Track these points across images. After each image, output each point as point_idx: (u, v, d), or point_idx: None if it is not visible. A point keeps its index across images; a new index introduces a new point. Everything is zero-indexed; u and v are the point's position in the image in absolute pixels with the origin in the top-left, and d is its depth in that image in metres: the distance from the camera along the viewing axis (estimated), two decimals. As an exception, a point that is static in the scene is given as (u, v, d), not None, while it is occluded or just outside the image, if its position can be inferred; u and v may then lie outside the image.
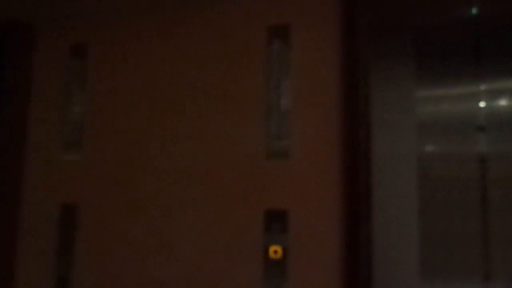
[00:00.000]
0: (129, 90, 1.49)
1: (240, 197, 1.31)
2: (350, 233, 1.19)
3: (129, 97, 1.48)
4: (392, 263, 1.33)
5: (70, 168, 1.52)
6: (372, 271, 1.19)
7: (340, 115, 1.26)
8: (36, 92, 1.62)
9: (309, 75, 1.31)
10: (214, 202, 1.34)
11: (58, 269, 1.47)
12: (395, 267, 1.34)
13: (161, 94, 1.45)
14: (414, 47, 1.50)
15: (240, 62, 1.38)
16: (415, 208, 1.40)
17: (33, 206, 1.55)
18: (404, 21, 1.49)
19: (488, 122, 1.42)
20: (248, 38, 1.38)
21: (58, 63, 1.60)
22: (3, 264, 1.51)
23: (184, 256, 1.34)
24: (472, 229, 1.36)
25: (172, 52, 1.46)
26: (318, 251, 1.22)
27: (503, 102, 1.41)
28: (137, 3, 1.52)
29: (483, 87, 1.44)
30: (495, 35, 1.43)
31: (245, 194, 1.30)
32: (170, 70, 1.45)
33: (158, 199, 1.40)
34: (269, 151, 1.31)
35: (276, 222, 1.26)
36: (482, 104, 1.44)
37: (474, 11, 1.46)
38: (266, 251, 1.25)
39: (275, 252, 1.24)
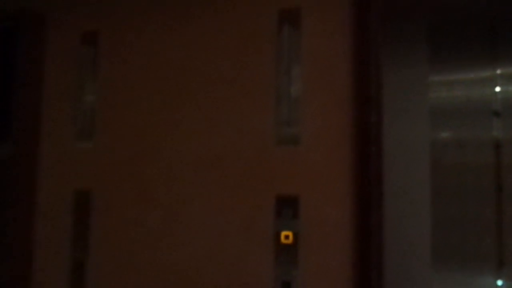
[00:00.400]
0: (140, 77, 1.50)
1: (251, 183, 1.31)
2: (361, 219, 1.18)
3: (140, 85, 1.49)
4: (404, 250, 1.33)
5: (83, 155, 1.54)
6: (383, 256, 1.19)
7: (351, 100, 1.25)
8: (48, 80, 1.64)
9: (320, 59, 1.29)
10: (225, 188, 1.34)
11: (73, 254, 1.51)
12: (407, 254, 1.33)
13: (172, 81, 1.45)
14: (428, 31, 1.47)
15: (250, 48, 1.37)
16: (427, 194, 1.39)
17: (48, 193, 1.58)
18: (418, 4, 1.45)
19: (504, 107, 1.39)
20: (258, 23, 1.37)
21: (69, 51, 1.61)
22: (21, 250, 1.55)
23: (197, 241, 1.36)
24: (485, 216, 1.35)
25: (183, 39, 1.45)
26: (329, 237, 1.22)
27: (519, 87, 1.38)
28: (147, -10, 1.52)
29: (499, 71, 1.41)
30: (512, 17, 1.39)
31: (256, 180, 1.31)
32: (180, 57, 1.45)
33: (170, 185, 1.41)
34: (280, 137, 1.30)
35: (287, 208, 1.26)
36: (497, 88, 1.41)
37: (490, -8, 1.41)
38: (277, 237, 1.26)
39: (287, 237, 1.25)
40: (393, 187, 1.37)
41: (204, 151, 1.38)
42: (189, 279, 1.36)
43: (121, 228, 1.46)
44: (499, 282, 1.30)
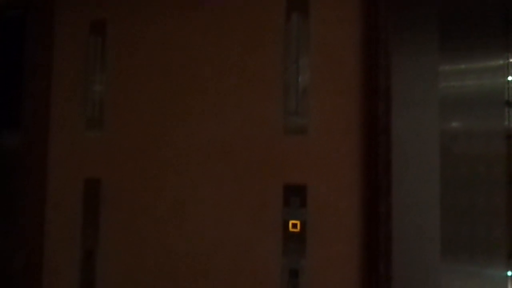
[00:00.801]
0: (149, 66, 1.50)
1: (259, 172, 1.31)
2: (369, 208, 1.18)
3: (150, 74, 1.49)
4: (412, 239, 1.32)
5: (93, 144, 1.55)
6: (391, 245, 1.19)
7: (359, 89, 1.24)
8: (57, 69, 1.65)
9: (329, 48, 1.28)
10: (233, 177, 1.35)
11: (83, 241, 1.53)
12: (415, 243, 1.32)
13: (180, 70, 1.45)
14: (438, 18, 1.45)
15: (259, 37, 1.36)
16: (437, 184, 1.38)
17: (58, 182, 1.60)
18: (429, -9, 1.43)
19: (517, 96, 1.37)
20: (267, 11, 1.36)
21: (78, 40, 1.62)
22: (32, 238, 1.57)
23: (205, 229, 1.37)
24: (496, 206, 1.33)
25: (192, 28, 1.45)
26: (337, 226, 1.22)
27: (533, 75, 1.36)
28: (154, -21, 1.51)
29: (512, 59, 1.38)
30: (526, 4, 1.36)
31: (265, 169, 1.31)
32: (189, 46, 1.45)
33: (179, 174, 1.42)
34: (288, 126, 1.30)
35: (295, 196, 1.26)
36: (510, 78, 1.38)
37: (504, -22, 1.38)
38: (285, 225, 1.26)
39: (294, 226, 1.25)
40: (401, 177, 1.36)
41: (212, 140, 1.39)
42: (197, 267, 1.37)
43: (130, 216, 1.47)
44: (510, 273, 1.29)
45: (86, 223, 1.53)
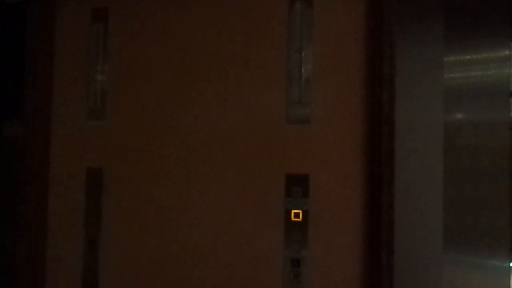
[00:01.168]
0: (151, 55, 1.49)
1: (261, 161, 1.31)
2: (371, 198, 1.18)
3: (152, 62, 1.49)
4: (415, 229, 1.32)
5: (95, 133, 1.55)
6: (393, 235, 1.19)
7: (363, 79, 1.23)
8: (58, 58, 1.64)
9: (332, 37, 1.27)
10: (235, 166, 1.35)
11: (86, 231, 1.53)
12: (418, 233, 1.32)
13: (182, 59, 1.45)
14: (443, 8, 1.43)
15: (262, 25, 1.35)
16: (440, 174, 1.37)
17: (60, 171, 1.60)
18: (434, -20, 1.41)
19: (522, 87, 1.36)
20: (269, 0, 1.34)
21: (80, 28, 1.60)
22: (35, 227, 1.58)
23: (207, 219, 1.37)
24: (499, 198, 1.33)
25: (194, 17, 1.44)
26: (339, 215, 1.22)
27: (539, 66, 1.34)
28: (157, -33, 1.50)
29: (517, 49, 1.37)
30: (533, -8, 1.34)
31: (267, 158, 1.31)
32: (192, 35, 1.44)
33: (181, 163, 1.42)
34: (291, 116, 1.29)
35: (297, 186, 1.26)
36: (515, 68, 1.37)
37: (511, -33, 1.36)
38: (287, 215, 1.26)
39: (297, 215, 1.25)
40: (404, 167, 1.35)
41: (214, 129, 1.38)
42: (200, 256, 1.37)
43: (133, 205, 1.48)
44: (512, 264, 1.29)
45: (88, 212, 1.53)
